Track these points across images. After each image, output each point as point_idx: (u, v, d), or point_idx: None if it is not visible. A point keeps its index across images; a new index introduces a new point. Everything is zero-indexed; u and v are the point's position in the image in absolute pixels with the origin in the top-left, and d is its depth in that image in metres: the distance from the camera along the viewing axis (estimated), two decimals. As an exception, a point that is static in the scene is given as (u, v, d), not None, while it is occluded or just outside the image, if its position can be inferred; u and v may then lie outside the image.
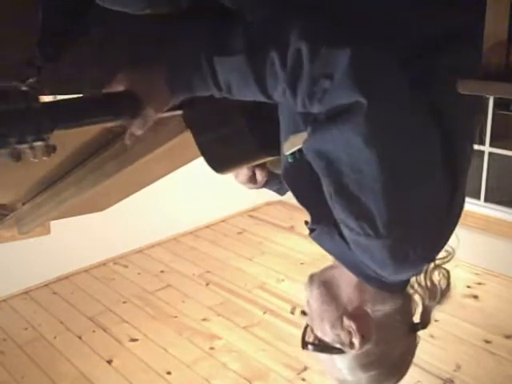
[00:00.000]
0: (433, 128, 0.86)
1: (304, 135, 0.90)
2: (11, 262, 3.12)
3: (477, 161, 3.35)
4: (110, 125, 0.93)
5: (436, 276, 1.04)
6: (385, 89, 0.81)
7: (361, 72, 0.78)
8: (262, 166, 1.15)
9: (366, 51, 0.79)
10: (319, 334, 1.04)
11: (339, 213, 0.88)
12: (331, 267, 1.06)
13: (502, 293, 3.14)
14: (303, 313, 1.09)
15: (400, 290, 1.02)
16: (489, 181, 3.37)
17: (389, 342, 1.03)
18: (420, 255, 0.91)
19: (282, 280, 3.30)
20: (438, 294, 1.04)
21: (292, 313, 2.72)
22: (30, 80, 0.85)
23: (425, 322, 1.06)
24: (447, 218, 0.93)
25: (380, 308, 1.01)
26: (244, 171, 1.18)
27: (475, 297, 3.09)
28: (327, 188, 0.88)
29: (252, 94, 0.87)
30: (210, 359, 2.66)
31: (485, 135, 3.34)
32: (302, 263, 3.40)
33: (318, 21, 0.83)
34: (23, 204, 1.54)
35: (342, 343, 1.01)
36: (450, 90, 0.78)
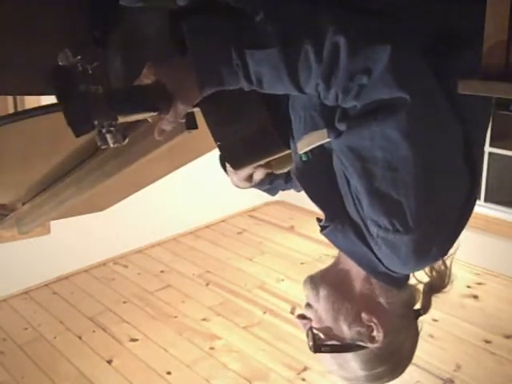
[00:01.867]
0: (457, 124, 0.87)
1: (322, 133, 0.90)
2: (11, 262, 3.12)
3: (477, 161, 3.35)
4: (137, 118, 0.91)
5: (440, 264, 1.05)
6: (424, 86, 0.82)
7: (401, 68, 0.78)
8: (267, 165, 1.14)
9: (404, 48, 0.79)
10: (336, 335, 1.03)
11: (369, 211, 0.88)
12: (334, 266, 1.06)
13: (501, 293, 3.14)
14: (302, 317, 1.07)
15: (405, 282, 1.03)
16: (489, 181, 3.37)
17: (401, 332, 1.04)
18: (441, 249, 0.93)
19: (282, 280, 3.30)
20: (443, 279, 1.05)
21: (292, 313, 2.73)
22: (95, 64, 0.82)
23: (426, 307, 1.07)
24: (465, 213, 0.94)
25: (391, 300, 1.01)
26: (245, 169, 1.17)
27: (475, 297, 3.09)
28: (357, 187, 0.88)
29: (283, 88, 0.86)
30: (209, 359, 2.66)
31: (485, 135, 3.33)
32: (302, 263, 3.40)
33: (353, 15, 0.82)
34: (23, 204, 1.54)
35: (362, 339, 1.01)
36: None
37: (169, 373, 2.57)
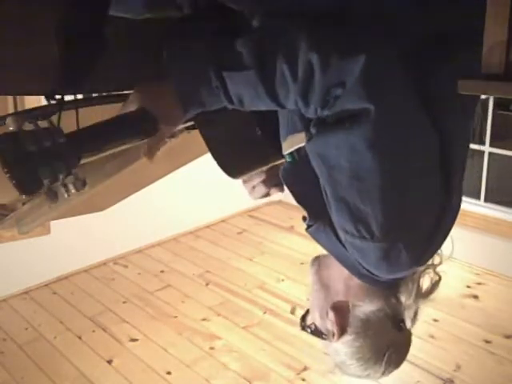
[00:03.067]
0: (433, 134, 0.87)
1: (302, 135, 0.91)
2: (11, 262, 3.12)
3: (477, 161, 3.36)
4: (127, 146, 0.92)
5: (426, 278, 1.06)
6: (393, 96, 0.82)
7: (372, 79, 0.79)
8: (279, 187, 1.17)
9: (377, 58, 0.80)
10: (314, 320, 1.11)
11: (336, 215, 0.90)
12: (325, 257, 1.10)
13: (501, 293, 3.14)
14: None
15: (389, 286, 1.04)
16: (489, 181, 3.37)
17: (373, 335, 1.06)
18: (412, 257, 0.94)
19: (282, 280, 3.30)
20: (420, 295, 1.06)
21: (292, 313, 2.72)
22: (53, 115, 0.83)
23: (410, 319, 1.08)
24: (440, 223, 0.94)
25: (362, 305, 1.04)
26: (261, 189, 1.20)
27: (475, 297, 3.09)
28: (326, 191, 0.89)
29: (264, 105, 0.88)
30: (209, 359, 2.66)
31: (485, 135, 3.34)
32: (301, 263, 3.40)
33: (324, 29, 0.83)
34: (23, 204, 1.54)
35: (328, 332, 1.07)
36: (449, 91, 0.78)
37: (169, 373, 2.57)
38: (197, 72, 0.85)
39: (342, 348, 1.07)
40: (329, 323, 1.06)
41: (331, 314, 1.05)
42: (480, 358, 2.61)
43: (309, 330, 1.12)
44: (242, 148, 1.10)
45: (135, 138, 0.90)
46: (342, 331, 1.04)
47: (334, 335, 1.05)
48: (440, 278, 1.06)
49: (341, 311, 1.05)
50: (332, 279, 1.07)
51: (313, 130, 0.86)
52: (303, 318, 1.13)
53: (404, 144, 0.84)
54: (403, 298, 1.04)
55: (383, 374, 1.09)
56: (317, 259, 1.13)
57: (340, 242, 0.96)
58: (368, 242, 0.88)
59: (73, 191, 0.84)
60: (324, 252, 1.10)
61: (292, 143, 0.95)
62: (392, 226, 0.88)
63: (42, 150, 0.79)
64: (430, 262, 1.03)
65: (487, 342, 2.71)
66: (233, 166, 1.11)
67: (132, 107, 0.91)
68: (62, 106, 0.93)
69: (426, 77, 0.85)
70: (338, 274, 1.05)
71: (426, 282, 1.06)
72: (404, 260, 0.92)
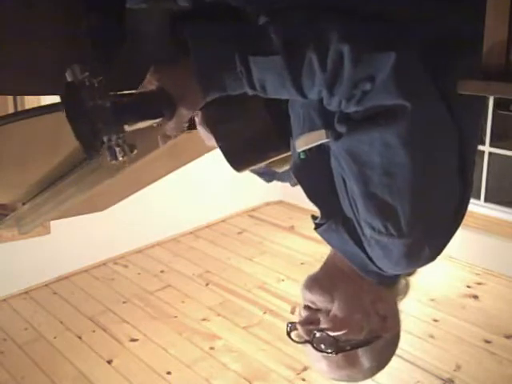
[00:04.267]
0: (455, 133, 0.88)
1: (320, 133, 0.90)
2: (11, 262, 3.12)
3: (477, 161, 3.35)
4: (143, 126, 0.90)
5: None
6: (426, 93, 0.82)
7: (404, 76, 0.79)
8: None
9: (407, 56, 0.80)
10: (353, 331, 1.01)
11: (363, 213, 0.89)
12: (333, 265, 1.05)
13: (501, 293, 3.14)
14: (309, 322, 1.05)
15: (394, 282, 1.04)
16: (489, 181, 3.37)
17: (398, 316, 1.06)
18: (432, 253, 0.94)
19: (282, 280, 3.30)
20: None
21: (292, 313, 2.72)
22: (100, 78, 0.81)
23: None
24: (457, 217, 0.96)
25: (386, 300, 1.04)
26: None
27: (475, 297, 3.09)
28: (353, 189, 0.88)
29: (287, 93, 0.86)
30: (209, 359, 2.66)
31: (485, 135, 3.34)
32: (302, 263, 3.40)
33: (356, 21, 0.82)
34: (23, 204, 1.54)
35: (378, 330, 1.01)
36: (451, 91, 0.79)
37: (169, 373, 2.57)
38: (222, 55, 0.84)
39: (383, 345, 1.03)
40: (376, 319, 1.01)
41: (383, 307, 1.02)
42: (480, 358, 2.61)
43: (349, 348, 1.00)
44: (250, 140, 1.08)
45: (152, 118, 0.88)
46: (394, 319, 1.03)
47: (387, 329, 1.02)
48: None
49: (384, 300, 1.03)
50: (357, 281, 1.02)
51: (341, 129, 0.85)
52: (333, 342, 1.01)
53: (435, 141, 0.85)
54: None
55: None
56: (321, 279, 1.05)
57: (353, 240, 0.95)
58: (394, 238, 0.88)
59: (120, 156, 0.83)
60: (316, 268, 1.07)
61: (308, 141, 0.94)
62: (418, 223, 0.88)
63: (98, 107, 0.80)
64: None
65: (487, 342, 2.71)
66: (239, 158, 1.09)
67: (150, 87, 0.88)
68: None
69: (443, 75, 0.85)
70: (353, 274, 1.02)
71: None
72: (425, 256, 0.93)
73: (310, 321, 1.05)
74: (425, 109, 0.82)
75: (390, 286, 1.04)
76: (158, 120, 0.89)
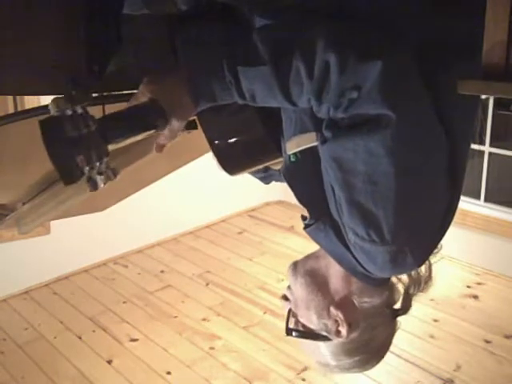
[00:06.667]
0: (443, 137, 0.88)
1: (311, 136, 0.91)
2: (11, 262, 3.12)
3: (477, 161, 3.35)
4: (137, 139, 0.91)
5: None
6: (412, 103, 0.82)
7: (391, 84, 0.79)
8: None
9: (394, 64, 0.80)
10: (305, 322, 1.08)
11: (347, 219, 0.90)
12: (316, 257, 1.09)
13: (502, 293, 3.14)
14: (285, 298, 1.12)
15: (384, 283, 1.05)
16: (489, 181, 3.37)
17: (374, 329, 1.06)
18: (416, 260, 0.95)
19: (282, 280, 3.29)
20: (421, 283, 1.07)
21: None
22: (84, 103, 0.81)
23: (406, 308, 1.09)
24: (444, 224, 0.96)
25: (366, 300, 1.04)
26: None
27: (475, 297, 3.09)
28: (338, 194, 0.90)
29: (276, 102, 0.87)
30: (210, 359, 2.66)
31: (485, 135, 3.33)
32: (302, 263, 3.40)
33: (343, 29, 0.82)
34: (23, 204, 1.54)
35: (329, 331, 1.05)
36: (453, 93, 0.78)
37: (169, 373, 2.57)
38: (210, 66, 0.85)
39: (342, 347, 1.06)
40: (331, 322, 1.04)
41: (337, 312, 1.03)
42: (480, 358, 2.61)
43: (295, 334, 1.09)
44: (243, 146, 1.10)
45: (145, 130, 0.89)
46: (351, 328, 1.03)
47: (339, 333, 1.04)
48: (431, 265, 1.06)
49: (346, 308, 1.04)
50: (330, 278, 1.06)
51: (327, 134, 0.85)
52: (287, 321, 1.10)
53: (420, 150, 0.85)
54: (401, 288, 1.05)
55: (373, 366, 1.10)
56: (298, 263, 1.11)
57: (340, 242, 0.96)
58: (377, 245, 0.89)
59: (102, 184, 0.83)
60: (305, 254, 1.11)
61: (299, 143, 0.95)
62: (401, 231, 0.89)
63: (81, 136, 0.79)
64: None
65: (487, 341, 2.71)
66: (232, 163, 1.10)
67: (142, 98, 0.90)
68: (103, 99, 0.92)
69: (434, 78, 0.85)
70: (335, 273, 1.04)
71: (420, 270, 1.06)
72: (409, 263, 0.93)
73: (287, 298, 1.13)
74: (410, 119, 0.82)
75: (378, 286, 1.04)
76: (151, 132, 0.90)
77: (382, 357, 1.11)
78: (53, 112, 0.81)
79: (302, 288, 1.07)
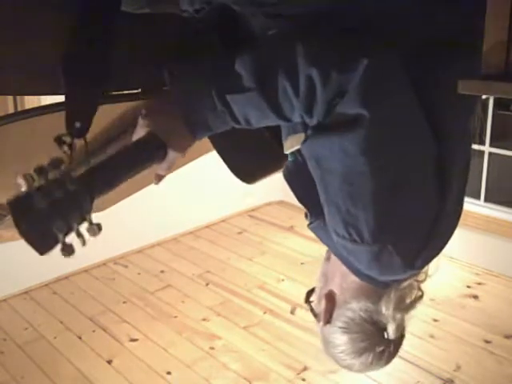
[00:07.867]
0: (431, 141, 0.87)
1: (301, 136, 0.91)
2: (11, 262, 3.12)
3: (477, 161, 3.35)
4: (138, 174, 0.91)
5: (412, 289, 1.06)
6: (390, 104, 0.83)
7: (369, 86, 0.80)
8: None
9: (376, 66, 0.80)
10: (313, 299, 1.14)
11: (328, 218, 0.92)
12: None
13: (502, 293, 3.14)
14: None
15: (385, 287, 1.04)
16: (489, 181, 3.37)
17: (356, 334, 1.06)
18: (404, 260, 0.94)
19: (282, 280, 3.30)
20: (399, 308, 1.05)
21: (292, 313, 2.73)
22: (63, 165, 0.79)
23: (393, 330, 1.06)
24: (434, 228, 0.95)
25: (351, 302, 1.05)
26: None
27: (475, 297, 3.09)
28: (320, 193, 0.91)
29: (271, 121, 0.89)
30: (210, 359, 2.66)
31: (485, 135, 3.33)
32: (302, 263, 3.40)
33: (321, 41, 0.83)
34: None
35: (318, 316, 1.10)
36: (448, 92, 0.78)
37: (169, 373, 2.57)
38: (200, 97, 0.87)
39: (330, 334, 1.09)
40: (320, 309, 1.09)
41: (323, 302, 1.08)
42: (480, 358, 2.61)
43: (309, 307, 1.15)
44: (254, 153, 1.12)
45: (146, 164, 0.90)
46: (328, 321, 1.07)
47: (319, 320, 1.09)
48: (422, 295, 1.07)
49: (331, 302, 1.07)
50: (331, 271, 1.08)
51: (309, 132, 0.87)
52: (309, 293, 1.16)
53: (398, 151, 0.85)
54: (383, 308, 1.03)
55: (361, 371, 1.11)
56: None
57: None
58: (358, 245, 0.90)
59: (88, 238, 0.81)
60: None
61: (292, 143, 0.96)
62: (382, 231, 0.89)
63: (53, 204, 0.75)
64: (414, 278, 1.03)
65: (487, 342, 2.71)
66: (246, 171, 1.12)
67: (141, 132, 0.92)
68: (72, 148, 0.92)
69: (426, 80, 0.85)
70: (337, 269, 1.06)
71: (408, 297, 1.06)
72: (396, 263, 0.93)
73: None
74: (387, 120, 0.82)
75: (380, 288, 1.03)
76: (149, 165, 0.91)
77: (376, 366, 1.09)
78: (23, 188, 0.78)
79: (320, 270, 1.13)
